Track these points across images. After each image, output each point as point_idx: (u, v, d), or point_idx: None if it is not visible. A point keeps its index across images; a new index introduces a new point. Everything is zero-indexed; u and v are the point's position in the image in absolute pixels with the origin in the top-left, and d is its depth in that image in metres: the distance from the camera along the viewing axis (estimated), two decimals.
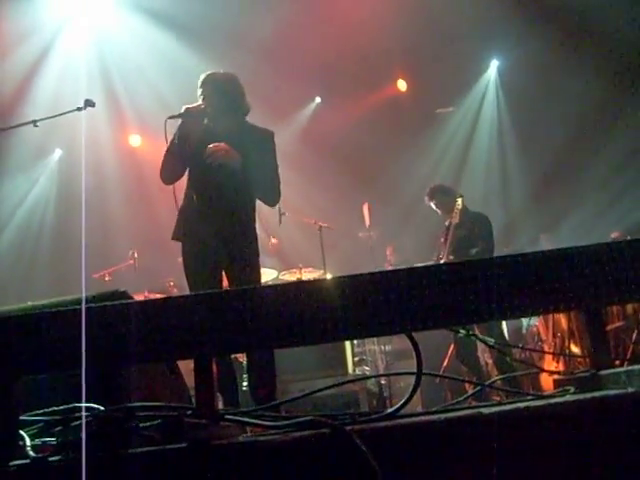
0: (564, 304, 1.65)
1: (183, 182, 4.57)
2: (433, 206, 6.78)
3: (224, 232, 4.31)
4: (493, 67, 11.50)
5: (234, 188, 4.36)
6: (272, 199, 4.59)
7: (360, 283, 1.65)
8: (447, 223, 6.63)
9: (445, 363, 7.35)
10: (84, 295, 2.42)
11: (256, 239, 4.49)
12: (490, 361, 7.15)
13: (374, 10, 9.52)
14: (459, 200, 6.53)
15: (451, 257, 6.34)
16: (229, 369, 4.33)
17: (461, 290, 1.64)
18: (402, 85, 11.34)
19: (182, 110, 4.37)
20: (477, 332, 5.51)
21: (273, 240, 8.70)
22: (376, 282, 1.64)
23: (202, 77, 4.57)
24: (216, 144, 4.32)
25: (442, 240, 6.65)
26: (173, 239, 4.52)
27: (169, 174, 4.47)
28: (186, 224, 4.43)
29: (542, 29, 9.40)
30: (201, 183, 4.46)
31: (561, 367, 5.93)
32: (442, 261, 6.39)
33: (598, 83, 9.52)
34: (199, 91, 4.53)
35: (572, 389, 1.97)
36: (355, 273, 1.67)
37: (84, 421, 1.75)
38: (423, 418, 1.59)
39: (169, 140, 4.40)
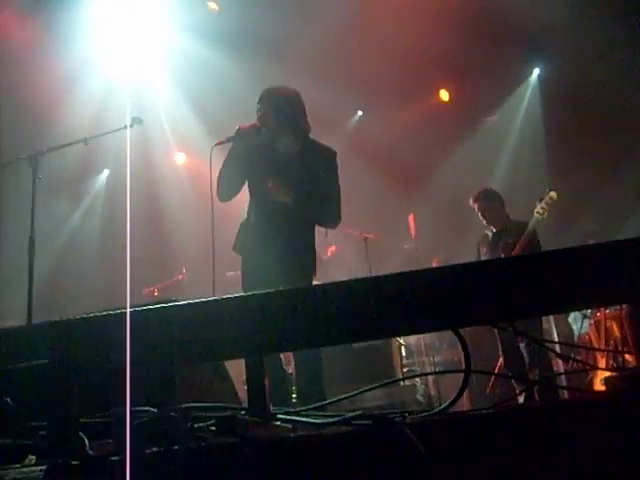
0: (609, 298, 1.65)
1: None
2: (478, 211, 6.47)
3: (282, 251, 4.21)
4: (534, 74, 11.41)
5: (293, 216, 4.26)
6: (332, 222, 4.49)
7: (407, 280, 1.67)
8: (490, 232, 6.42)
9: (497, 368, 7.27)
10: (128, 299, 2.48)
11: (314, 259, 4.40)
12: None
13: (414, 20, 9.53)
14: (552, 193, 6.18)
15: None
16: (280, 377, 4.31)
17: (505, 287, 1.64)
18: (445, 95, 11.33)
19: (235, 131, 4.26)
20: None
21: (332, 248, 8.65)
22: (424, 279, 1.66)
23: (261, 92, 4.43)
24: (273, 183, 4.24)
25: (485, 250, 6.42)
26: (233, 250, 4.47)
27: (225, 193, 4.38)
28: (246, 240, 4.38)
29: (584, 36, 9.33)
30: (262, 203, 4.36)
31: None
32: None
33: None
34: (257, 107, 4.39)
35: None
36: None
37: (128, 424, 1.80)
38: (472, 413, 1.61)
39: (215, 166, 4.30)
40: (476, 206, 6.50)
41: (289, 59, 9.45)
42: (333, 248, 8.92)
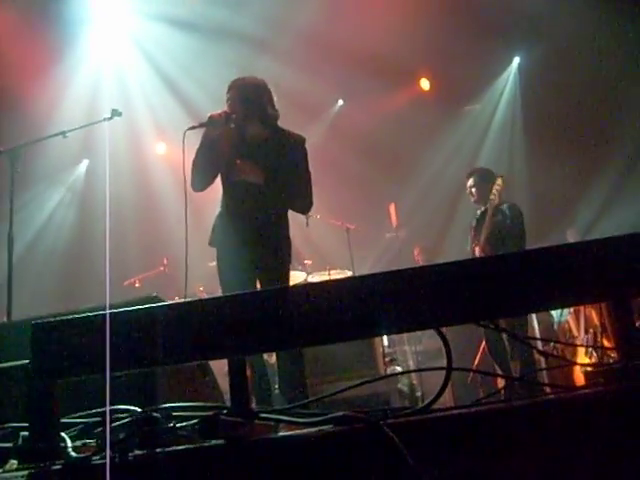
0: (592, 296, 1.67)
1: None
2: (469, 187, 6.56)
3: (256, 241, 4.32)
4: (514, 63, 11.44)
5: (265, 198, 4.36)
6: (304, 207, 4.59)
7: (389, 280, 1.67)
8: (480, 211, 6.48)
9: (476, 362, 7.32)
10: (107, 299, 2.47)
11: (289, 246, 4.48)
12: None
13: (394, 10, 9.52)
14: (499, 180, 6.36)
15: (486, 246, 6.21)
16: (262, 371, 4.35)
17: (490, 284, 1.65)
18: (425, 84, 11.33)
19: (206, 118, 4.36)
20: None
21: (307, 262, 8.64)
22: (406, 278, 1.66)
23: (230, 82, 4.55)
24: (241, 161, 4.37)
25: (474, 230, 6.48)
26: (210, 245, 4.55)
27: (199, 182, 4.49)
28: (221, 231, 4.47)
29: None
30: (233, 191, 4.47)
31: (593, 362, 5.88)
32: (477, 249, 6.28)
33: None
34: (226, 97, 4.52)
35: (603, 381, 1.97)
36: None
37: (108, 425, 1.80)
38: (455, 411, 1.61)
39: (189, 150, 4.36)
40: (468, 181, 6.59)
41: (270, 49, 9.43)
42: (308, 262, 8.89)
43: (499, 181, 6.36)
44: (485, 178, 6.53)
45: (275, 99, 4.59)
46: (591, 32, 9.34)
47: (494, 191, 6.31)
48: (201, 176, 4.48)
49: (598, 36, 9.41)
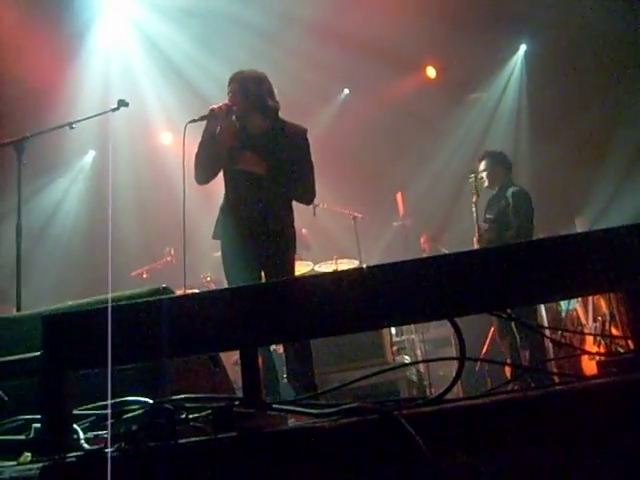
0: (604, 286, 1.65)
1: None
2: (481, 171, 6.48)
3: (259, 232, 4.33)
4: (521, 51, 11.38)
5: (267, 188, 4.36)
6: (306, 197, 4.58)
7: (401, 270, 1.66)
8: (492, 195, 6.44)
9: (485, 349, 7.32)
10: (109, 290, 2.47)
11: (293, 236, 4.49)
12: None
13: None
14: (470, 179, 6.46)
15: (487, 232, 6.22)
16: (269, 360, 4.36)
17: (502, 274, 1.64)
18: (431, 72, 11.28)
19: (207, 111, 4.36)
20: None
21: (303, 231, 8.66)
22: (416, 269, 1.65)
23: (231, 75, 4.55)
24: (243, 152, 4.37)
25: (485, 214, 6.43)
26: (214, 238, 4.56)
27: (202, 175, 4.49)
28: (225, 223, 4.47)
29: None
30: (235, 182, 4.48)
31: (602, 351, 5.87)
32: (477, 234, 6.28)
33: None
34: (227, 89, 4.52)
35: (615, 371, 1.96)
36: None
37: (109, 418, 1.80)
38: (468, 402, 1.61)
39: (191, 143, 4.39)
40: (480, 165, 6.52)
41: (277, 40, 9.41)
42: (304, 232, 8.88)
43: (470, 179, 6.47)
44: (497, 160, 6.46)
45: (276, 91, 4.58)
46: (597, 20, 9.29)
47: (472, 190, 6.39)
48: (204, 169, 4.48)
49: (604, 23, 9.35)
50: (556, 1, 9.47)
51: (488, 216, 6.32)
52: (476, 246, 6.28)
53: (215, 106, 4.37)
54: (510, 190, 6.26)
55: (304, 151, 4.50)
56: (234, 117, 4.44)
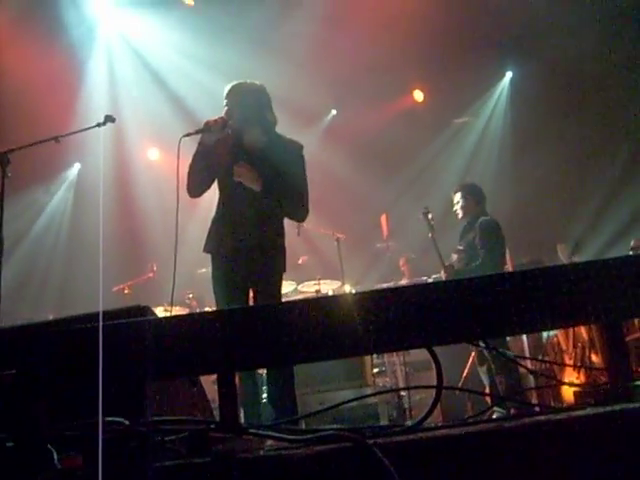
0: (583, 318, 1.67)
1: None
2: (456, 202, 6.55)
3: (252, 249, 4.27)
4: (507, 78, 11.52)
5: (262, 205, 4.31)
6: (300, 214, 4.54)
7: (380, 298, 1.66)
8: (465, 223, 6.50)
9: (465, 373, 7.32)
10: (101, 310, 2.45)
11: (284, 256, 4.43)
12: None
13: (389, 21, 9.57)
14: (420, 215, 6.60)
15: (457, 262, 6.28)
16: (252, 382, 4.32)
17: (481, 305, 1.65)
18: (419, 96, 11.36)
19: (202, 125, 4.32)
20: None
21: (299, 262, 8.62)
22: (396, 297, 1.66)
23: (227, 88, 4.51)
24: (240, 164, 4.33)
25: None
26: (204, 252, 4.46)
27: (194, 188, 4.43)
28: (217, 237, 4.40)
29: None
30: (230, 197, 4.43)
31: (582, 378, 5.89)
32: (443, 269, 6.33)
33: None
34: (224, 102, 4.48)
35: (592, 402, 1.97)
36: (373, 286, 1.69)
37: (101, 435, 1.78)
38: (445, 432, 1.61)
39: (183, 159, 4.32)
40: (455, 197, 6.58)
41: (266, 57, 9.44)
42: (305, 258, 8.88)
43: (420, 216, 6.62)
44: (469, 192, 6.53)
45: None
46: (583, 50, 9.41)
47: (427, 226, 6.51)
48: (197, 183, 4.43)
49: (590, 54, 9.49)
50: (542, 31, 9.59)
51: (459, 247, 6.41)
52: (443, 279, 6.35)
53: (210, 120, 4.32)
54: (479, 220, 6.32)
55: (300, 167, 4.45)
56: (229, 131, 4.40)
